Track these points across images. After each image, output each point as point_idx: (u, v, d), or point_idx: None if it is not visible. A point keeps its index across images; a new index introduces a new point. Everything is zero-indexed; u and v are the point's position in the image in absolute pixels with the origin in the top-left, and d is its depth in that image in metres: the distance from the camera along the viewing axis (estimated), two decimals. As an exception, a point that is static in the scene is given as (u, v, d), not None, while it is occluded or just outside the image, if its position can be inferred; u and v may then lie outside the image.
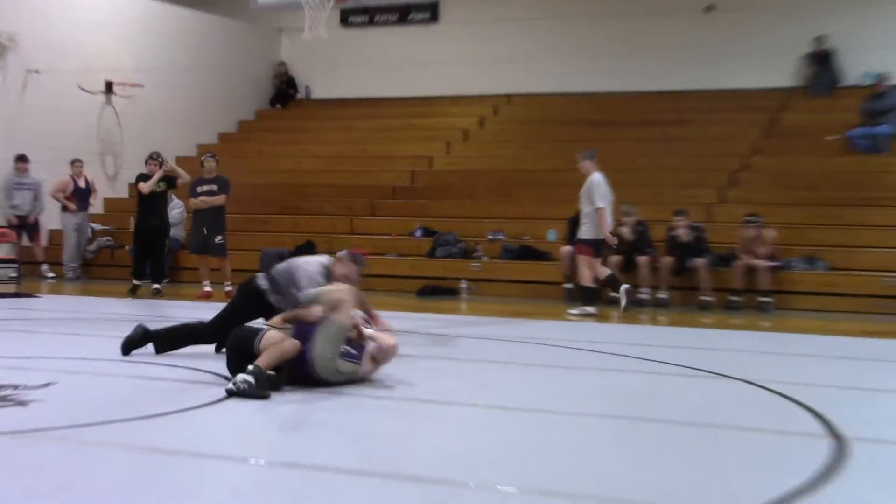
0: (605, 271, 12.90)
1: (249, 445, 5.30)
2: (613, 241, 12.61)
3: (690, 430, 5.76)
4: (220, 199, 13.90)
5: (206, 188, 13.93)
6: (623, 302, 12.44)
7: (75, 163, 16.91)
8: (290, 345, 6.59)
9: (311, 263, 7.70)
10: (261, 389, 6.27)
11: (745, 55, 19.81)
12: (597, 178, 12.54)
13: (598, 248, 12.64)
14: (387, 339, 7.18)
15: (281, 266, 7.84)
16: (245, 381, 6.30)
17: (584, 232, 12.58)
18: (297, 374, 6.68)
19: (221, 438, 5.43)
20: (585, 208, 12.55)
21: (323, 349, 6.64)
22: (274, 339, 6.64)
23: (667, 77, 20.39)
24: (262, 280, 7.84)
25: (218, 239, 13.86)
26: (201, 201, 13.86)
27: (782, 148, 17.64)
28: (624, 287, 12.54)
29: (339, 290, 6.90)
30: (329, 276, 7.50)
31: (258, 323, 7.32)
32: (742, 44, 19.94)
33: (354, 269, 7.60)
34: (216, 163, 14.13)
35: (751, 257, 13.61)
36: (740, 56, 19.84)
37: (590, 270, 12.59)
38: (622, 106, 20.22)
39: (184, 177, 14.40)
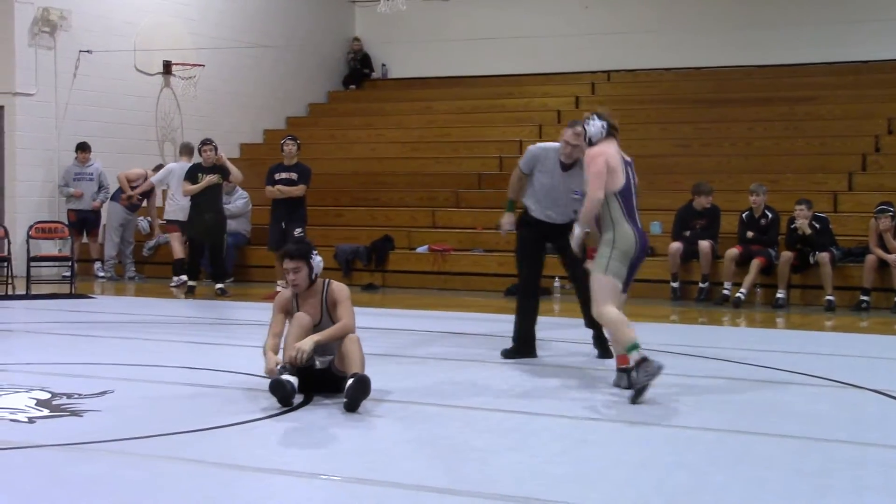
0: (179, 253, 15.42)
1: (320, 459, 5.36)
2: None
3: (816, 447, 5.69)
4: (298, 190, 13.94)
5: (284, 176, 13.98)
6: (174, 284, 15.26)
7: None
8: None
9: None
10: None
11: (880, 21, 19.41)
12: (170, 167, 16.20)
13: (182, 227, 15.34)
14: None
15: None
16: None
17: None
18: None
19: (289, 452, 5.50)
20: None
21: None
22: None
23: (789, 49, 20.04)
24: None
25: (298, 232, 13.89)
26: (278, 190, 13.94)
27: (921, 128, 17.30)
28: (181, 278, 15.06)
29: None
30: None
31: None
32: (875, 8, 19.54)
33: None
34: (297, 148, 14.18)
35: (883, 252, 13.36)
36: (873, 22, 19.45)
37: (179, 245, 15.48)
38: (738, 82, 19.93)
39: (235, 174, 14.47)
